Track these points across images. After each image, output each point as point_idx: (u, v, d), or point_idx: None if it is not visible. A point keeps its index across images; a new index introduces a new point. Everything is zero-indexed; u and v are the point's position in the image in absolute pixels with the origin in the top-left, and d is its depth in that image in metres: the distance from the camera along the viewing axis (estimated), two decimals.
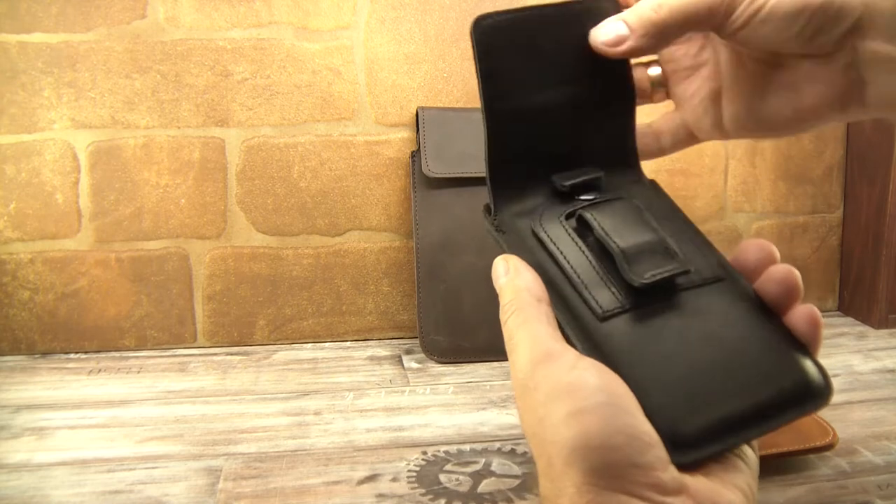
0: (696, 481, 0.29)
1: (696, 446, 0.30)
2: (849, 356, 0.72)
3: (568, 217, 0.36)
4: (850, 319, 0.85)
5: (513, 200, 0.38)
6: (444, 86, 0.76)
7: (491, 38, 0.39)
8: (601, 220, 0.35)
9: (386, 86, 0.75)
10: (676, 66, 0.41)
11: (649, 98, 0.42)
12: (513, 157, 0.38)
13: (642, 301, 0.33)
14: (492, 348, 0.71)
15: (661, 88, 0.42)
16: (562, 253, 0.35)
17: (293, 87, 0.74)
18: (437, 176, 0.71)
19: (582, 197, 0.37)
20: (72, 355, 0.73)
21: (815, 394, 0.31)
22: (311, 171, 0.75)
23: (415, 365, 0.71)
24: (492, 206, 0.38)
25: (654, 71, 0.42)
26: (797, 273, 0.34)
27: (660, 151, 0.43)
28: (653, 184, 0.39)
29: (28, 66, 0.70)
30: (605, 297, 0.33)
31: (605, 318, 0.33)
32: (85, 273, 0.73)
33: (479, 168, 0.72)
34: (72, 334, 0.74)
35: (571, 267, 0.35)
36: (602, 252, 0.34)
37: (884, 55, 0.34)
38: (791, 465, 0.51)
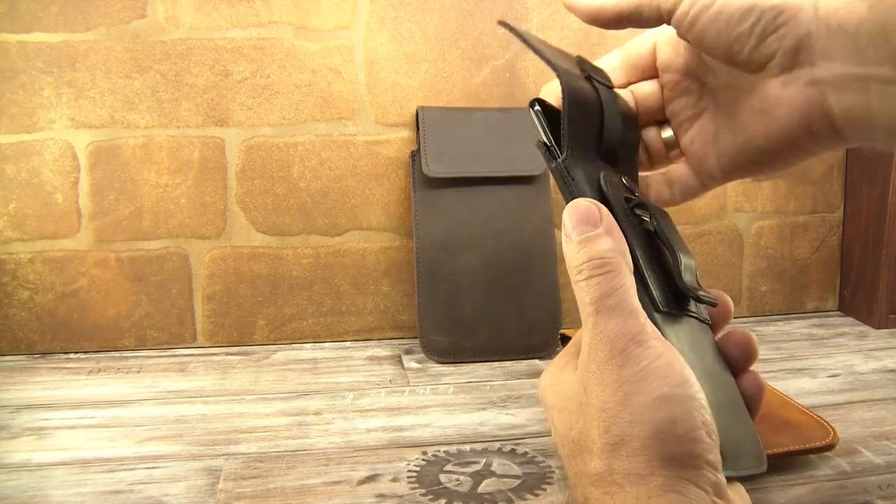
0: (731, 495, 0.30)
1: (729, 464, 0.31)
2: (849, 356, 0.72)
3: (626, 201, 0.36)
4: (850, 319, 0.84)
5: (578, 153, 0.36)
6: (444, 86, 0.76)
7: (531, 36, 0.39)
8: (658, 220, 0.35)
9: (386, 85, 0.75)
10: (681, 119, 0.42)
11: (667, 159, 0.44)
12: (578, 115, 0.37)
13: (679, 311, 0.34)
14: (492, 348, 0.71)
15: (676, 148, 0.43)
16: (627, 230, 0.34)
17: (293, 87, 0.74)
18: (437, 176, 0.71)
19: (627, 184, 0.37)
20: (72, 355, 0.73)
21: (762, 461, 0.33)
22: (311, 170, 0.75)
23: (415, 365, 0.71)
24: (566, 149, 0.36)
25: (667, 133, 0.43)
26: (754, 340, 0.36)
27: (671, 200, 0.44)
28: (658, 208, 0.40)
29: (28, 65, 0.70)
30: (661, 291, 0.34)
31: (660, 311, 0.33)
32: (85, 273, 0.73)
33: (479, 168, 0.72)
34: (72, 334, 0.74)
35: (638, 248, 0.34)
36: (650, 247, 0.35)
37: (840, 76, 0.34)
38: (791, 465, 0.51)
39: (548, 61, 0.37)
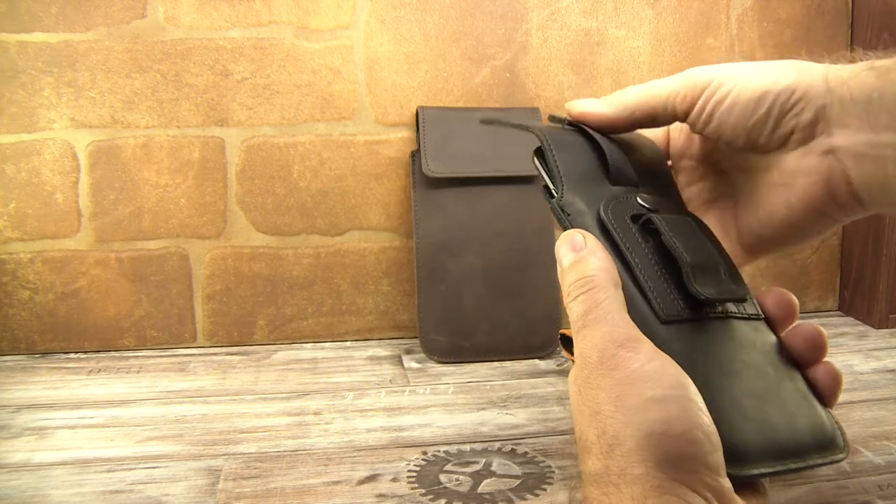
0: (740, 498, 0.30)
1: (751, 463, 0.31)
2: (849, 356, 0.72)
3: (633, 219, 0.37)
4: (850, 319, 0.84)
5: (575, 188, 0.38)
6: (444, 85, 0.76)
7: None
8: (668, 228, 0.36)
9: (386, 85, 0.75)
10: (697, 203, 0.44)
11: None
12: (570, 152, 0.40)
13: (698, 315, 0.34)
14: (492, 348, 0.71)
15: None
16: (628, 247, 0.36)
17: (293, 87, 0.74)
18: (437, 176, 0.71)
19: (642, 202, 0.38)
20: (72, 355, 0.73)
21: (839, 448, 0.33)
22: (311, 170, 0.75)
23: (415, 365, 0.71)
24: (558, 186, 0.38)
25: None
26: (824, 333, 0.37)
27: None
28: (694, 216, 0.40)
29: (28, 65, 0.70)
30: (667, 302, 0.34)
31: (666, 321, 0.34)
32: (85, 273, 0.73)
33: (479, 168, 0.72)
34: (72, 334, 0.74)
35: (637, 263, 0.35)
36: (664, 259, 0.35)
37: (857, 143, 0.35)
38: None
39: (520, 126, 0.40)
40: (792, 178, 0.38)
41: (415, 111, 0.76)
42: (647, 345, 0.32)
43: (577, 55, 0.78)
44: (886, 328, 0.81)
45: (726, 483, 0.29)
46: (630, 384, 0.30)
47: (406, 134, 0.76)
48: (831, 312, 0.87)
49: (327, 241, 0.76)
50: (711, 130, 0.39)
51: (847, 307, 0.86)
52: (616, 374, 0.31)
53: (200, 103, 0.73)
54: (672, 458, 0.29)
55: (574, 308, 0.34)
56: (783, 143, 0.37)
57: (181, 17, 0.71)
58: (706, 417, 0.30)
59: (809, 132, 0.36)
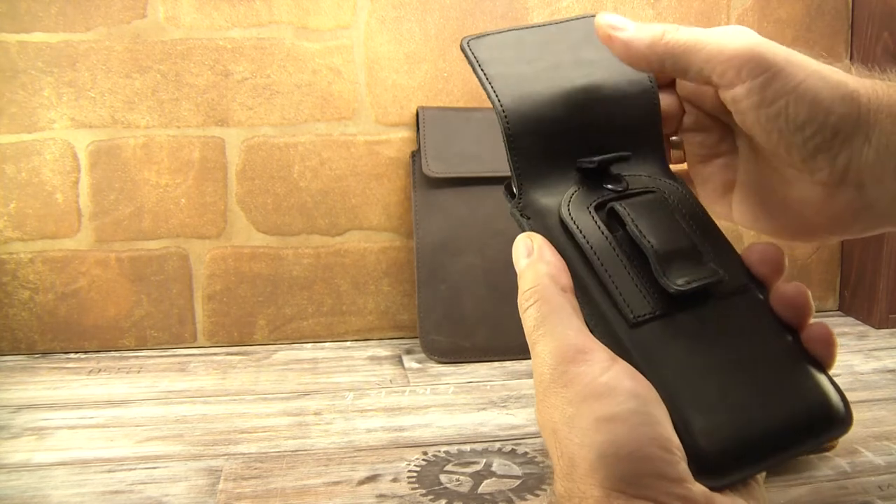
0: (722, 496, 0.28)
1: (722, 473, 0.29)
2: (849, 356, 0.72)
3: (598, 208, 0.34)
4: (850, 319, 0.84)
5: (537, 183, 0.36)
6: (444, 85, 0.76)
7: (487, 51, 0.37)
8: (634, 216, 0.33)
9: (386, 85, 0.75)
10: (694, 150, 0.40)
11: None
12: (534, 141, 0.36)
13: (673, 308, 0.32)
14: (492, 348, 0.71)
15: (678, 149, 0.41)
16: (591, 246, 0.33)
17: (293, 87, 0.74)
18: (437, 176, 0.71)
19: (610, 186, 0.35)
20: (72, 355, 0.73)
21: (837, 421, 0.31)
22: (311, 170, 0.75)
23: (415, 365, 0.71)
24: (515, 189, 0.36)
25: (674, 137, 0.41)
26: (807, 293, 0.33)
27: None
28: (680, 180, 0.37)
29: (28, 65, 0.70)
30: (636, 300, 0.32)
31: (636, 324, 0.31)
32: (85, 273, 0.73)
33: (479, 168, 0.72)
34: (72, 334, 0.74)
35: (601, 263, 0.33)
36: (633, 249, 0.33)
37: (891, 192, 0.33)
38: (791, 465, 0.51)
39: (487, 91, 0.36)
40: (815, 212, 0.35)
41: (415, 111, 0.75)
42: (599, 355, 0.30)
43: None
44: (886, 328, 0.81)
45: (697, 488, 0.28)
46: (580, 403, 0.29)
47: (406, 134, 0.76)
48: (831, 312, 0.87)
49: (327, 241, 0.76)
50: (741, 119, 0.34)
51: (847, 307, 0.86)
52: (567, 393, 0.30)
53: (200, 103, 0.73)
54: (627, 477, 0.27)
55: (526, 321, 0.33)
56: (808, 172, 0.34)
57: (181, 17, 0.71)
58: (663, 428, 0.28)
59: (839, 178, 0.33)
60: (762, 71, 0.32)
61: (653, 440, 0.28)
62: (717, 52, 0.33)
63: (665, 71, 0.35)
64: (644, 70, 0.36)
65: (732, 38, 0.33)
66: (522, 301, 0.33)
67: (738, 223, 0.39)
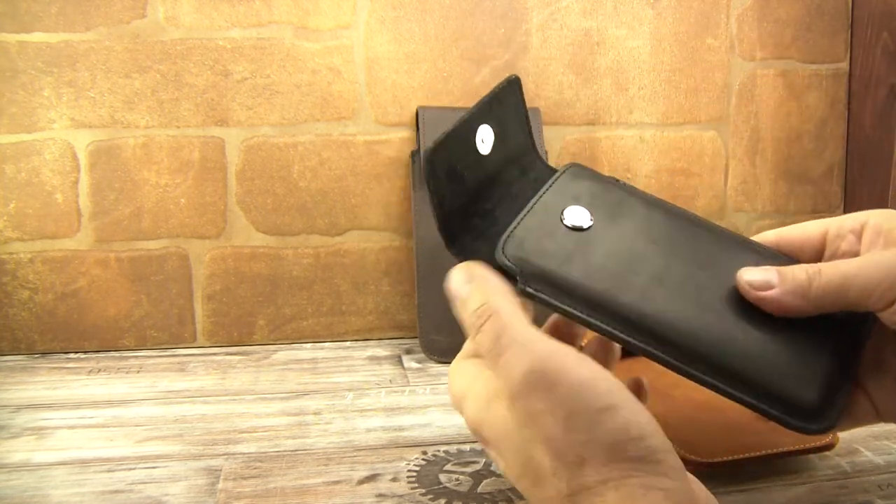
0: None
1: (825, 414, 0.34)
2: None
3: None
4: None
5: (464, 229, 0.41)
6: (444, 86, 0.76)
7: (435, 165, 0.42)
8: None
9: (386, 85, 0.75)
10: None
11: None
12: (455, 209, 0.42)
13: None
14: None
15: None
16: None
17: (293, 87, 0.74)
18: None
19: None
20: (71, 355, 0.73)
21: (800, 411, 0.35)
22: (310, 170, 0.75)
23: (415, 365, 0.71)
24: (446, 243, 0.39)
25: None
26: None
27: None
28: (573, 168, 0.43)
29: (28, 65, 0.70)
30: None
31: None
32: (85, 273, 0.73)
33: None
34: (72, 334, 0.74)
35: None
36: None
37: None
38: (791, 465, 0.51)
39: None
40: None
41: (415, 111, 0.75)
42: (571, 352, 0.31)
43: (577, 55, 0.78)
44: None
45: (678, 462, 0.30)
46: (573, 399, 0.30)
47: (406, 134, 0.76)
48: None
49: (327, 241, 0.76)
50: None
51: None
52: (555, 395, 0.30)
53: (200, 103, 0.73)
54: (640, 457, 0.29)
55: (483, 339, 0.33)
56: None
57: (181, 17, 0.71)
58: (640, 406, 0.31)
59: None
60: None
61: (649, 419, 0.30)
62: (876, 284, 0.33)
63: (825, 310, 0.35)
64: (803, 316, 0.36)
65: (878, 264, 0.33)
66: (474, 320, 0.34)
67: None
